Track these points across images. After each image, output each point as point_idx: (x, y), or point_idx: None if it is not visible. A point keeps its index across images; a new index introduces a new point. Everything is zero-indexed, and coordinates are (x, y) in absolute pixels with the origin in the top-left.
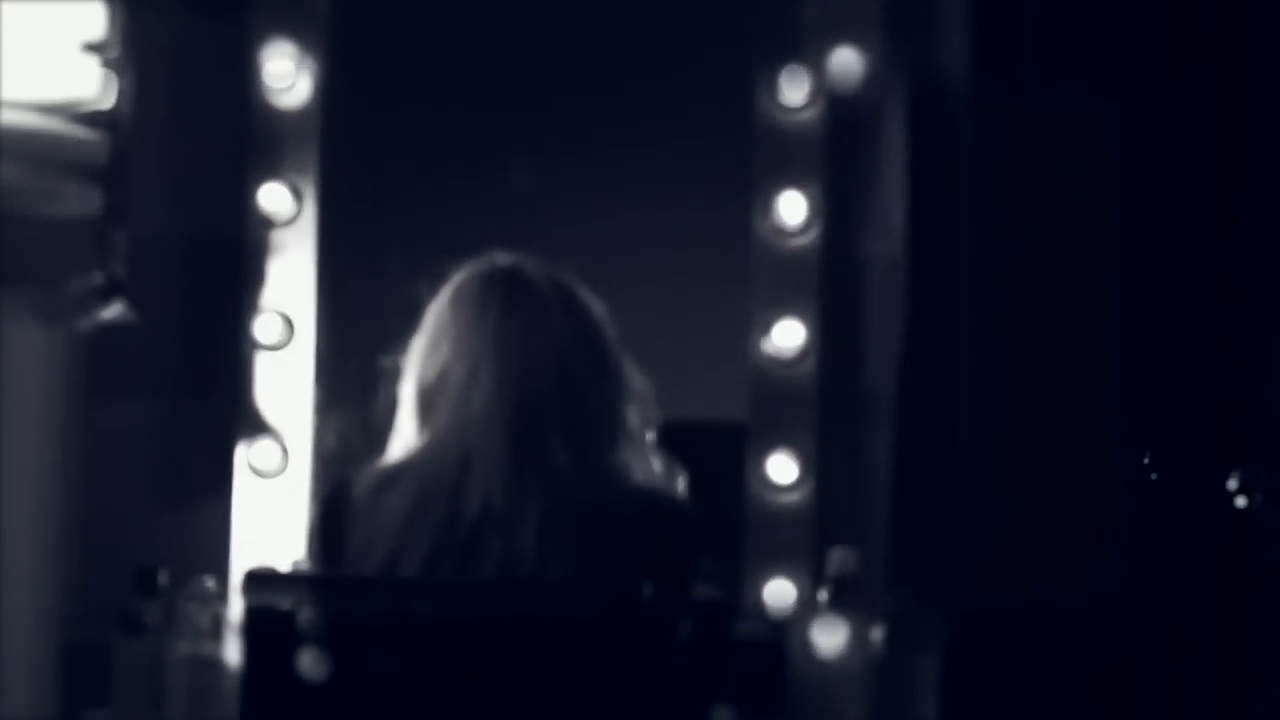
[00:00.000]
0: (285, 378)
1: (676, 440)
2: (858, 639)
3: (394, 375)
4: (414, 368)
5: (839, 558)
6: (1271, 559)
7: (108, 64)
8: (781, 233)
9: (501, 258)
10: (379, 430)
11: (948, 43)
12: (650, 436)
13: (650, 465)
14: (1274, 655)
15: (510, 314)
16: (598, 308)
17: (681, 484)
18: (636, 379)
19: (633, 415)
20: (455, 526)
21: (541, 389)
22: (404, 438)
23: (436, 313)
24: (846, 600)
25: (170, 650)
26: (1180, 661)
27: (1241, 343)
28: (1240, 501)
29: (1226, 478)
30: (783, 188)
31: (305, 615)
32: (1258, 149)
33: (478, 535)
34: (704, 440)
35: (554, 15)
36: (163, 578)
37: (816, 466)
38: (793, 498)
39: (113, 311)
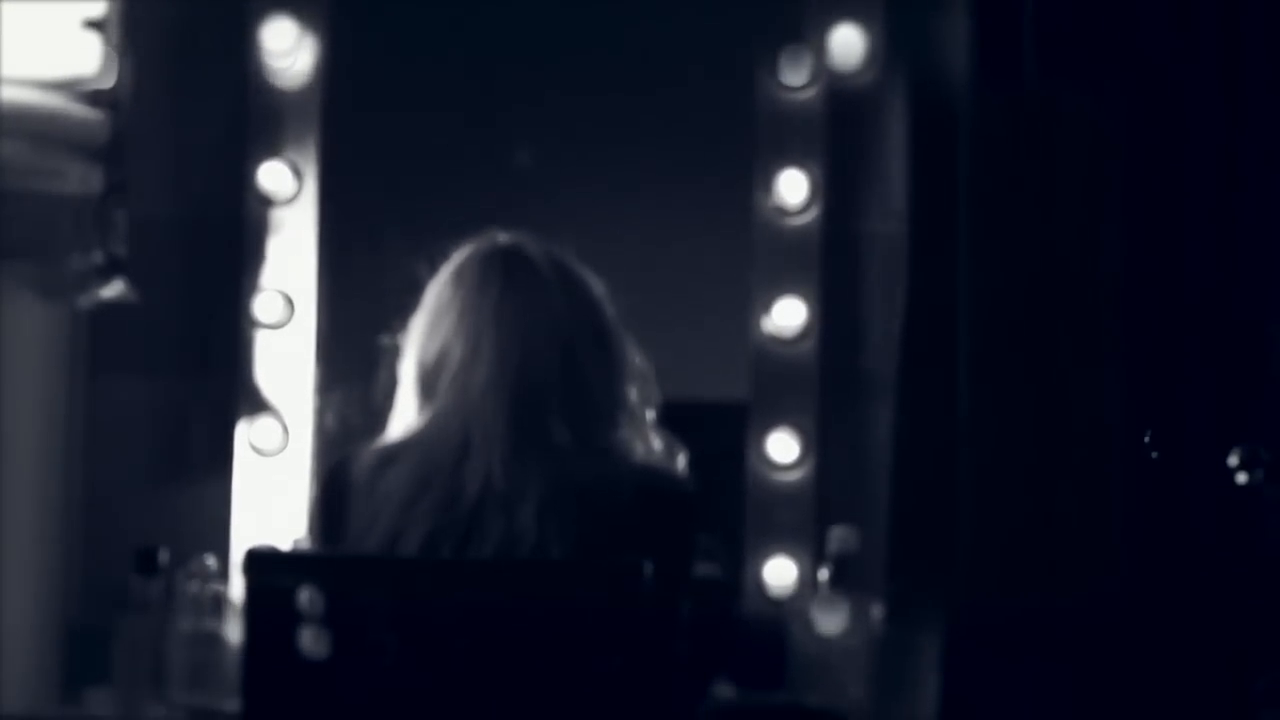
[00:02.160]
0: (286, 356)
1: (677, 419)
2: (858, 617)
3: (394, 354)
4: (414, 346)
5: (840, 536)
6: (1273, 536)
7: (108, 41)
8: (782, 211)
9: (502, 236)
10: (379, 409)
11: (949, 22)
12: (651, 415)
13: (651, 444)
14: (1276, 634)
15: (510, 292)
16: (597, 286)
17: (682, 463)
18: (637, 357)
19: (633, 394)
20: (456, 506)
21: (542, 367)
22: (404, 417)
23: (437, 291)
24: (847, 579)
25: (171, 629)
26: (1181, 639)
27: (1241, 322)
28: (1241, 478)
29: (1227, 455)
30: (784, 166)
31: (306, 594)
32: (1258, 133)
33: (478, 514)
34: (705, 419)
35: None
36: (163, 556)
37: (817, 445)
38: (794, 476)
39: (113, 290)
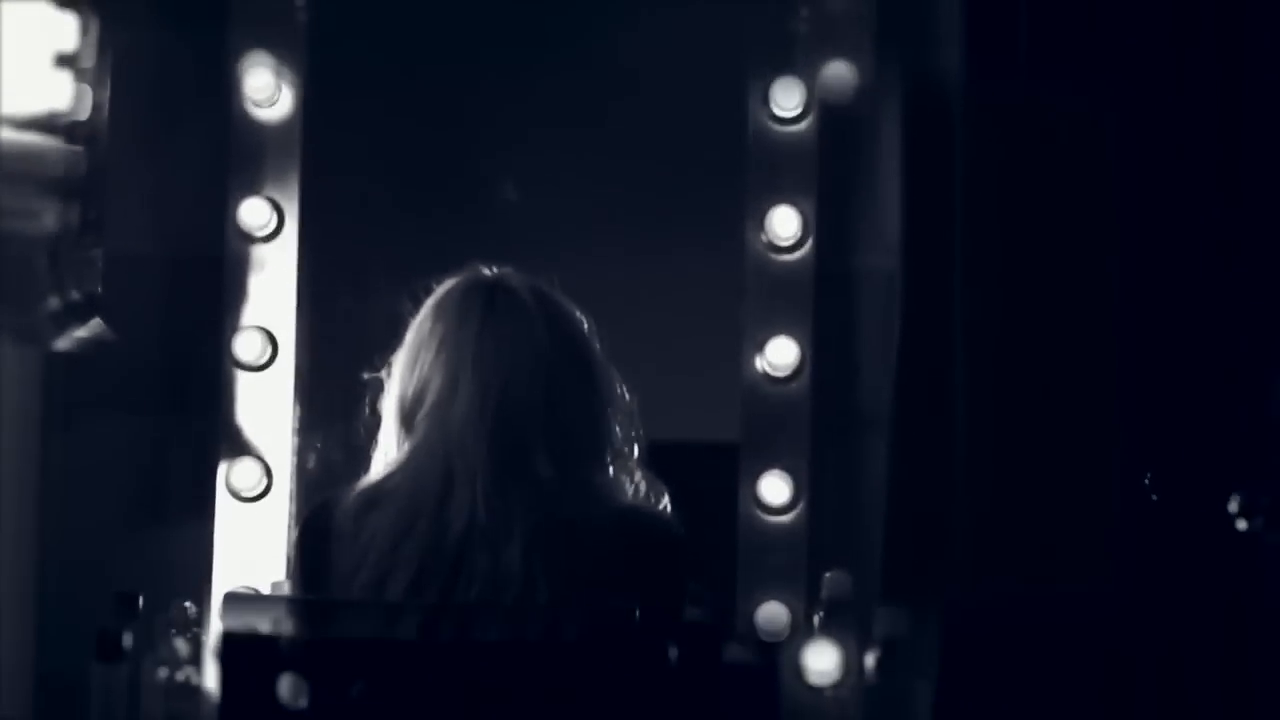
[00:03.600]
0: (267, 396)
1: (668, 460)
2: (851, 663)
3: (377, 390)
4: (396, 381)
5: (833, 581)
6: (1273, 582)
7: (81, 77)
8: (774, 248)
9: (486, 270)
10: (362, 448)
11: (941, 56)
12: (636, 450)
13: (636, 481)
14: (1274, 676)
15: (491, 324)
16: (583, 320)
17: (665, 501)
18: (622, 392)
19: (618, 428)
20: (441, 544)
21: (523, 400)
22: (387, 453)
23: (418, 325)
24: (840, 624)
25: (148, 676)
26: (1181, 679)
27: (1244, 358)
28: (1241, 525)
29: (1227, 500)
30: (775, 202)
31: (285, 639)
32: (1258, 147)
33: (464, 552)
34: (696, 460)
35: (541, 27)
36: (141, 601)
37: (810, 487)
38: (786, 519)
39: (91, 329)
